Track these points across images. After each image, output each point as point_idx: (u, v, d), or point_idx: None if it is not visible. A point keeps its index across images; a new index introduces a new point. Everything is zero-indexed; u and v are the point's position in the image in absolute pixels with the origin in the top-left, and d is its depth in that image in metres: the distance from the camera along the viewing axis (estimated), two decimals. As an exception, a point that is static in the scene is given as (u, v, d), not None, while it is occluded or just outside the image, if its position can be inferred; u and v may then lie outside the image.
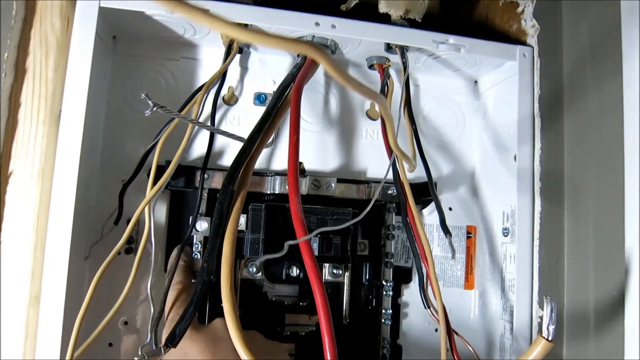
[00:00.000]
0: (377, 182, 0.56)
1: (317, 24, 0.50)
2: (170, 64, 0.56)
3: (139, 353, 0.35)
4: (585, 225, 0.48)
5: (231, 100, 0.58)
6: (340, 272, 0.55)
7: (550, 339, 0.31)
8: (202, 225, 0.51)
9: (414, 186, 0.53)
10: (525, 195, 0.53)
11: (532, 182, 0.53)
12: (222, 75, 0.51)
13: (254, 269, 0.53)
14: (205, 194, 0.52)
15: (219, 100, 0.55)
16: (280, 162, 0.57)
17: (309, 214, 0.49)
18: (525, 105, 0.54)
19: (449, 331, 0.45)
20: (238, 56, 0.57)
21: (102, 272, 0.40)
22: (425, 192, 0.55)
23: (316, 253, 0.49)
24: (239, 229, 0.51)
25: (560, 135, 0.52)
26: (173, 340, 0.36)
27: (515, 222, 0.53)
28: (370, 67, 0.58)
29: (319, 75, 0.60)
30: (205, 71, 0.57)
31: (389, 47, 0.53)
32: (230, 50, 0.51)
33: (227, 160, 0.56)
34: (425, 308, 0.50)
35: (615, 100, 0.46)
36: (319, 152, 0.58)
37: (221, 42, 0.54)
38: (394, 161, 0.51)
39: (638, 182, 0.43)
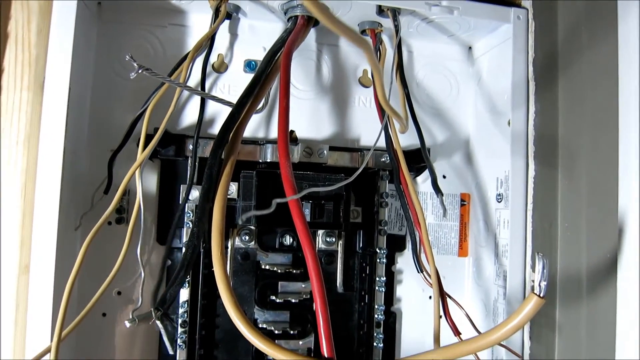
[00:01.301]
0: (369, 149, 0.56)
1: (306, -15, 0.49)
2: (157, 30, 0.55)
3: (130, 316, 0.35)
4: (579, 189, 0.48)
5: (221, 68, 0.57)
6: (334, 240, 0.55)
7: (542, 295, 0.31)
8: (194, 193, 0.51)
9: (407, 153, 0.53)
10: (519, 159, 0.53)
11: (526, 147, 0.53)
12: (209, 40, 0.50)
13: (247, 237, 0.53)
14: (196, 163, 0.51)
15: (209, 68, 0.54)
16: (274, 131, 0.56)
17: (301, 179, 0.49)
18: (520, 69, 0.54)
19: (443, 295, 0.46)
20: (227, 22, 0.56)
21: (90, 239, 0.40)
22: (418, 159, 0.55)
23: (308, 219, 0.49)
24: (230, 197, 0.51)
25: (555, 98, 0.51)
26: (164, 304, 0.36)
27: (509, 187, 0.53)
28: (363, 32, 0.57)
29: (310, 42, 0.58)
30: (194, 38, 0.55)
31: (380, 10, 0.52)
32: (217, 14, 0.50)
33: (218, 129, 0.55)
34: (419, 272, 0.50)
35: (610, 62, 0.45)
36: (311, 120, 0.58)
37: (209, 7, 0.52)
38: (387, 126, 0.50)
39: (632, 144, 0.43)
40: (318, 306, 0.36)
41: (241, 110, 0.44)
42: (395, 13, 0.52)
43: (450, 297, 0.47)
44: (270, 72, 0.48)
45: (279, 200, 0.32)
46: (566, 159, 0.50)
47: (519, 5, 0.55)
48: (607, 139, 0.45)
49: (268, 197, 0.49)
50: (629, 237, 0.43)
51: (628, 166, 0.42)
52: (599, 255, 0.45)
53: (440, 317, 0.47)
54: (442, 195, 0.50)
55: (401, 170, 0.50)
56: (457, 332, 0.45)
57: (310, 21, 0.53)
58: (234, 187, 0.51)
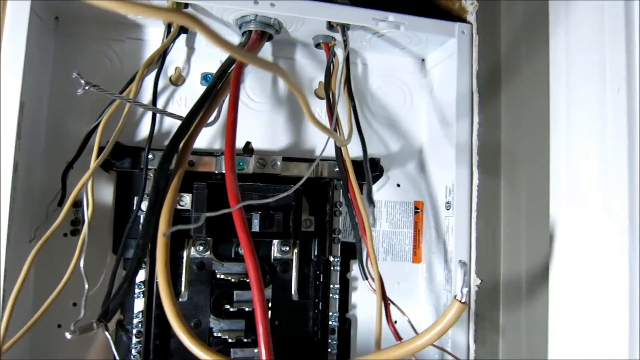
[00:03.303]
0: (325, 160, 0.57)
1: (255, 1, 0.50)
2: (115, 44, 0.56)
3: (72, 328, 0.36)
4: (519, 197, 0.50)
5: (178, 81, 0.58)
6: (288, 248, 0.56)
7: (463, 300, 0.33)
8: (146, 205, 0.51)
9: (358, 163, 0.54)
10: (463, 169, 0.55)
11: (470, 156, 0.55)
12: (162, 55, 0.52)
13: (202, 248, 0.54)
14: (150, 174, 0.52)
15: (167, 81, 0.56)
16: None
17: (251, 190, 0.50)
18: (464, 81, 0.56)
19: (386, 301, 0.47)
20: (184, 36, 0.57)
21: (36, 251, 0.41)
22: (370, 168, 0.57)
23: (257, 229, 0.50)
24: (184, 208, 0.52)
25: (498, 109, 0.53)
26: (106, 316, 0.37)
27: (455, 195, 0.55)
28: (317, 45, 0.59)
29: (266, 55, 0.60)
30: (151, 51, 0.56)
31: (330, 26, 0.54)
32: (170, 29, 0.51)
33: (174, 141, 0.56)
34: (364, 279, 0.51)
35: (542, 75, 0.47)
36: (267, 131, 0.59)
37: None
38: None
39: (561, 153, 0.45)
40: (258, 315, 0.37)
41: (190, 124, 0.45)
42: (344, 29, 0.53)
43: (393, 302, 0.49)
44: (222, 86, 0.50)
45: (208, 214, 0.33)
46: (508, 168, 0.52)
47: (464, 20, 0.57)
48: (541, 149, 0.47)
49: (220, 208, 0.50)
50: (558, 242, 0.45)
51: (557, 174, 0.45)
52: (535, 260, 0.47)
53: (395, 322, 0.49)
54: (374, 206, 0.52)
55: (349, 180, 0.51)
56: (398, 337, 0.46)
57: (264, 35, 0.54)
58: (187, 199, 0.52)
